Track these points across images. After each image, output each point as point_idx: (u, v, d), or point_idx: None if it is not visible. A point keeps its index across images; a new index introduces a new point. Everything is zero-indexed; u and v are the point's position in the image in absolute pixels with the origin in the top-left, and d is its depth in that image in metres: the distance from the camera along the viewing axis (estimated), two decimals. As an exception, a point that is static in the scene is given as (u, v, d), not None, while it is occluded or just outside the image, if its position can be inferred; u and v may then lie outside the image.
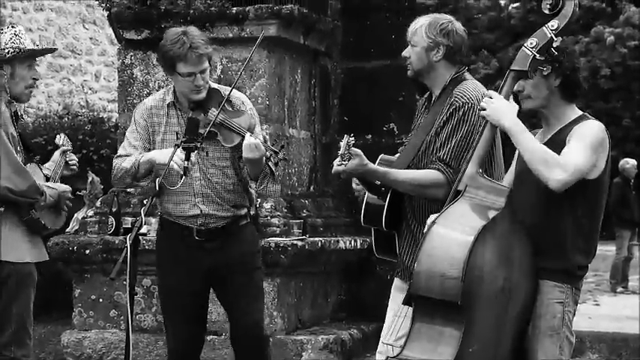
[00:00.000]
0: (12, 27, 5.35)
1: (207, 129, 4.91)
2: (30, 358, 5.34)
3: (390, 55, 8.09)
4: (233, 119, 4.98)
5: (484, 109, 4.25)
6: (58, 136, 5.68)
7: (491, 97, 4.26)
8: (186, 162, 4.79)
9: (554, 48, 4.27)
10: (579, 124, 4.28)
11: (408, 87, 8.15)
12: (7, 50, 5.20)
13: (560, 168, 4.10)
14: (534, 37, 4.28)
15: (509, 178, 4.48)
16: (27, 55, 5.28)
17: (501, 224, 4.15)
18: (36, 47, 5.45)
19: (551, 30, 4.26)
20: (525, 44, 4.26)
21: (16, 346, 5.22)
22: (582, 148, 4.16)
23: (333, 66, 8.72)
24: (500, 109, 4.22)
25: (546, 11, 4.30)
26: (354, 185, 4.73)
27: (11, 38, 5.23)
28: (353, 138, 4.38)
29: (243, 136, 4.89)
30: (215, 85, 5.18)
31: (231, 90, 5.08)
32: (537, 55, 4.23)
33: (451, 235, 4.14)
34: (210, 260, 5.08)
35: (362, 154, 4.44)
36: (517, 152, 4.48)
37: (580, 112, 4.37)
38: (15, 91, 5.27)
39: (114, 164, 5.15)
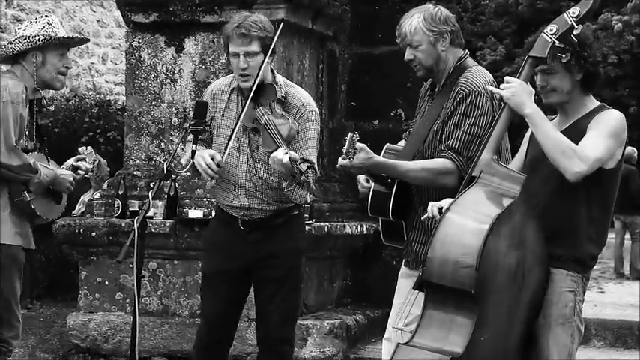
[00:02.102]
0: (45, 16, 5.39)
1: (249, 126, 4.86)
2: (18, 340, 5.35)
3: (398, 41, 8.07)
4: (277, 125, 4.82)
5: (504, 93, 4.20)
6: (84, 147, 5.60)
7: (509, 82, 4.21)
8: (194, 146, 4.78)
9: (574, 36, 4.18)
10: (600, 112, 4.25)
11: (415, 73, 8.16)
12: (38, 38, 5.23)
13: (579, 159, 4.08)
14: (554, 23, 4.20)
15: (516, 164, 4.45)
16: (59, 44, 5.32)
17: (516, 212, 4.12)
18: (68, 36, 5.47)
19: (572, 17, 4.19)
20: (545, 30, 4.19)
21: (4, 328, 5.22)
22: (603, 138, 4.15)
23: (341, 51, 8.69)
24: (521, 94, 4.18)
25: None
26: (360, 187, 4.69)
27: (43, 27, 5.27)
28: (357, 135, 4.33)
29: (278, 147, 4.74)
30: (281, 80, 5.03)
31: (280, 91, 4.95)
32: (557, 42, 4.16)
33: (465, 223, 4.11)
34: (251, 251, 5.01)
35: (367, 147, 4.40)
36: (526, 139, 4.46)
37: (598, 102, 4.34)
38: (45, 77, 5.30)
39: None
